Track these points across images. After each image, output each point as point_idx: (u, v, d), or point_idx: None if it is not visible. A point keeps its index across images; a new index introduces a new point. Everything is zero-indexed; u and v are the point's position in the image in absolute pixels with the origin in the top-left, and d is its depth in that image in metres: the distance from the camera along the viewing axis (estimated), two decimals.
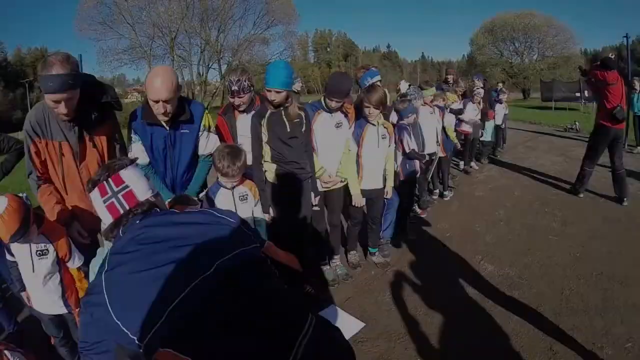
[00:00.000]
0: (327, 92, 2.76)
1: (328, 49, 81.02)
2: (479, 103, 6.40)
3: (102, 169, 1.16)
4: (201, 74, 29.87)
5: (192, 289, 0.91)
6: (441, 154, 4.76)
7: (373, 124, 3.05)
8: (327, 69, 76.34)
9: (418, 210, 4.55)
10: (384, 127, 3.12)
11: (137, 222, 1.08)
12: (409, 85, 4.24)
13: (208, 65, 30.19)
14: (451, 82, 6.49)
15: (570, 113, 17.01)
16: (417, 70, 78.70)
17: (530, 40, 33.94)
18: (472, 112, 6.07)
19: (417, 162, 3.75)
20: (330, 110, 2.83)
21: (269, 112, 2.53)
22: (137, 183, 1.14)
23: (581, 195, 5.04)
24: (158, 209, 1.16)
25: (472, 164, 6.62)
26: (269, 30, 30.93)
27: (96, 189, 1.12)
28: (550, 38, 32.77)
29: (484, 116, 6.60)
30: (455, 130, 6.07)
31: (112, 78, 38.22)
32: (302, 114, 2.62)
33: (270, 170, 2.65)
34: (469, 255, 3.53)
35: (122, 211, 1.10)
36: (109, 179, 1.11)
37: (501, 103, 7.44)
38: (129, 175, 1.13)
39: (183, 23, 27.06)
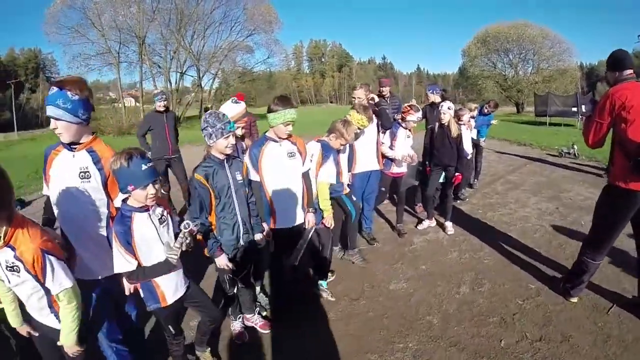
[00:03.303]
0: None
1: (322, 59, 79.39)
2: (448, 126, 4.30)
3: None
4: (171, 82, 27.71)
5: None
6: (309, 227, 2.59)
7: None
8: (320, 79, 75.21)
9: None
10: None
11: None
12: (210, 107, 2.03)
13: (182, 72, 28.12)
14: (387, 95, 4.77)
15: (567, 130, 15.05)
16: (412, 82, 77.13)
17: (525, 52, 32.17)
18: (403, 144, 3.91)
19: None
20: None
21: None
22: None
23: (574, 300, 2.87)
24: None
25: (447, 224, 4.35)
26: (251, 38, 29.12)
27: None
28: (545, 50, 30.99)
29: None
30: (383, 174, 3.96)
31: (107, 82, 38.13)
32: None
33: None
34: None
35: None
36: None
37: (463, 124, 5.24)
38: None
39: (157, 26, 25.19)
